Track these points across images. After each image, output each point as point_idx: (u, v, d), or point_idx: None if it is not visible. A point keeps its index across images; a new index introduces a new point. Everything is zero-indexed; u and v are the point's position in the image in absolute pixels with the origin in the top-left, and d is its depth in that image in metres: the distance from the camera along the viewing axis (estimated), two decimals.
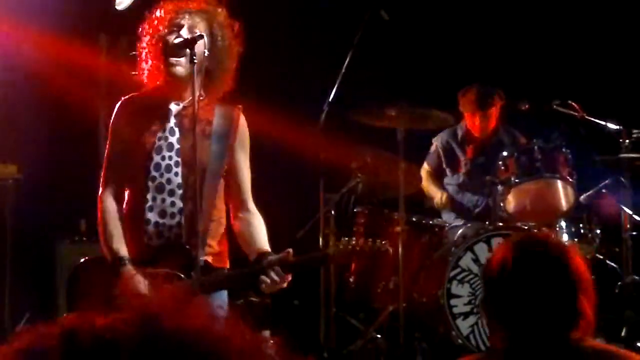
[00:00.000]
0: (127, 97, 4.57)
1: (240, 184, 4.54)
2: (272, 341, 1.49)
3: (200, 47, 4.29)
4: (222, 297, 4.37)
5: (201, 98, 4.40)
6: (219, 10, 4.54)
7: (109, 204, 4.49)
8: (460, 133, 7.53)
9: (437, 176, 7.61)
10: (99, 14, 7.02)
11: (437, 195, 7.49)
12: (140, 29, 4.53)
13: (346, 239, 4.41)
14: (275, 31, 8.16)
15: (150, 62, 4.45)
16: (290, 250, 4.31)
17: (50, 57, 7.13)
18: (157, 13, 4.47)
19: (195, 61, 4.24)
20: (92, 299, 4.28)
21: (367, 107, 6.69)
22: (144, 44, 4.47)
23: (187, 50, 4.30)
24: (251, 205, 4.56)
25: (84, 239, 7.29)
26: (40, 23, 7.02)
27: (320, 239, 6.41)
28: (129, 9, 5.01)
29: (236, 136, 4.52)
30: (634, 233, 6.86)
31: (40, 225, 7.35)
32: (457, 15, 8.43)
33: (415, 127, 6.80)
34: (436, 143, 7.60)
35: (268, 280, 4.24)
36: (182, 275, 4.28)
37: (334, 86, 6.56)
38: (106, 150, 4.60)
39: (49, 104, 7.41)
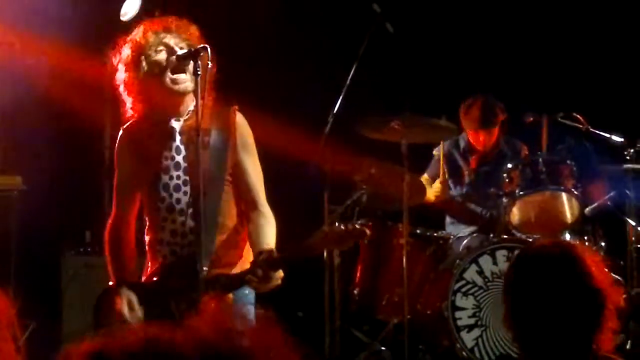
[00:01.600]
0: (127, 124, 4.60)
1: (248, 183, 4.52)
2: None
3: (204, 59, 4.28)
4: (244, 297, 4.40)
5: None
6: (190, 24, 4.54)
7: (114, 230, 4.60)
8: (462, 144, 7.51)
9: None
10: (104, 24, 7.04)
11: (434, 187, 7.37)
12: (114, 58, 4.52)
13: (326, 226, 4.40)
14: (280, 44, 8.18)
15: (137, 87, 4.45)
16: (273, 248, 4.32)
17: (55, 68, 7.15)
18: (135, 36, 4.47)
19: (199, 73, 4.24)
20: (114, 322, 4.39)
21: (371, 119, 6.69)
22: (126, 73, 4.46)
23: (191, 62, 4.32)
24: (261, 205, 4.53)
25: (89, 249, 7.29)
26: (45, 34, 7.03)
27: (325, 251, 6.40)
28: (134, 20, 5.00)
29: (235, 137, 4.50)
30: (639, 245, 6.84)
31: (45, 236, 7.36)
32: (461, 27, 8.44)
33: (419, 138, 6.80)
34: (438, 153, 7.57)
35: (254, 279, 4.23)
36: (184, 288, 4.31)
37: (338, 98, 6.56)
38: (115, 176, 4.67)
39: (54, 114, 7.42)
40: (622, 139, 6.90)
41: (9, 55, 7.09)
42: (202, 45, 4.32)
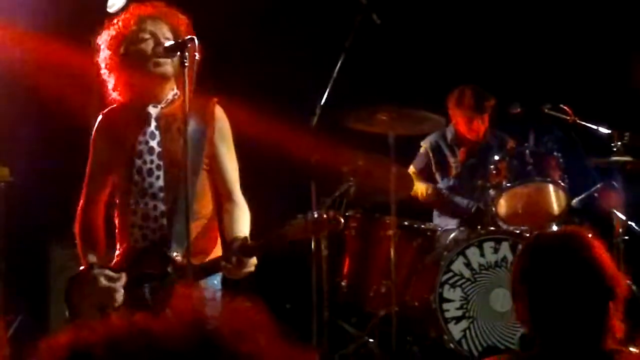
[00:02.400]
0: (106, 110, 4.65)
1: (223, 174, 4.58)
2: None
3: (192, 50, 4.28)
4: (212, 284, 4.42)
5: (176, 97, 4.47)
6: (177, 12, 4.56)
7: (84, 217, 4.66)
8: (450, 136, 7.53)
9: (423, 179, 7.58)
10: (91, 16, 7.01)
11: (423, 187, 7.45)
12: (99, 37, 4.55)
13: (301, 214, 4.42)
14: (267, 35, 8.17)
15: (117, 72, 4.49)
16: (247, 235, 4.39)
17: (42, 60, 7.12)
18: (119, 22, 4.50)
19: (187, 64, 4.25)
20: (88, 309, 4.40)
21: (358, 111, 6.69)
22: (108, 55, 4.50)
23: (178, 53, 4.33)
24: (236, 196, 4.59)
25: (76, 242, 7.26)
26: (32, 26, 7.01)
27: (312, 243, 6.41)
28: (121, 11, 4.99)
29: (214, 129, 4.53)
30: (626, 237, 6.86)
31: (33, 228, 7.34)
32: (448, 19, 8.44)
33: (407, 130, 6.81)
34: (425, 145, 7.59)
35: (229, 266, 4.27)
36: (157, 274, 4.35)
37: (325, 90, 6.56)
38: (87, 164, 4.69)
39: (41, 106, 7.40)
40: (609, 131, 6.91)
41: None
42: (189, 36, 4.33)
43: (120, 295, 4.38)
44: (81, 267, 4.59)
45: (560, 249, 2.87)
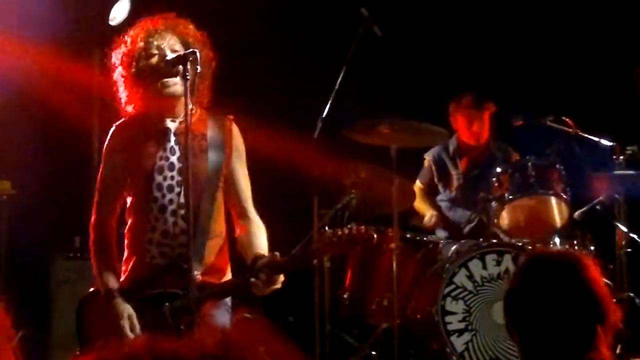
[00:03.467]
0: (119, 122, 4.59)
1: (239, 193, 4.56)
2: None
3: (194, 63, 4.28)
4: (224, 315, 4.39)
5: (192, 112, 4.43)
6: (187, 23, 4.55)
7: (100, 234, 4.54)
8: (452, 148, 7.54)
9: (430, 193, 7.60)
10: (93, 29, 7.02)
11: (427, 214, 7.46)
12: (111, 57, 4.54)
13: (330, 230, 4.40)
14: (269, 48, 8.18)
15: (130, 88, 4.47)
16: (277, 252, 4.34)
17: (44, 73, 7.13)
18: (128, 39, 4.49)
19: (188, 77, 4.24)
20: (99, 331, 4.36)
21: (360, 124, 6.68)
22: (121, 72, 4.48)
23: (180, 67, 4.32)
24: (252, 213, 4.58)
25: (78, 255, 7.26)
26: (34, 38, 7.01)
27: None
28: (123, 24, 5.01)
29: (232, 146, 4.53)
30: (629, 250, 6.85)
31: (34, 241, 7.33)
32: (450, 31, 8.45)
33: (409, 142, 6.81)
34: (428, 158, 7.60)
35: (259, 283, 4.24)
36: (179, 293, 4.30)
37: (327, 102, 6.56)
38: (99, 176, 4.61)
39: (43, 119, 7.41)
40: (611, 144, 6.91)
41: None
42: (190, 50, 4.32)
43: (137, 330, 4.35)
44: (94, 289, 4.53)
45: (555, 268, 2.88)
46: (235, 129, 4.57)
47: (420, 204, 7.46)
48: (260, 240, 4.49)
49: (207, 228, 4.38)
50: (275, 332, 1.55)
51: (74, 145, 7.57)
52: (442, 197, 7.56)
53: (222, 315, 4.35)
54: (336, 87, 6.59)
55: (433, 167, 7.59)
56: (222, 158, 4.49)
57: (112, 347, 1.45)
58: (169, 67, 4.34)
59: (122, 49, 4.49)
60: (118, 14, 5.42)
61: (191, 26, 4.54)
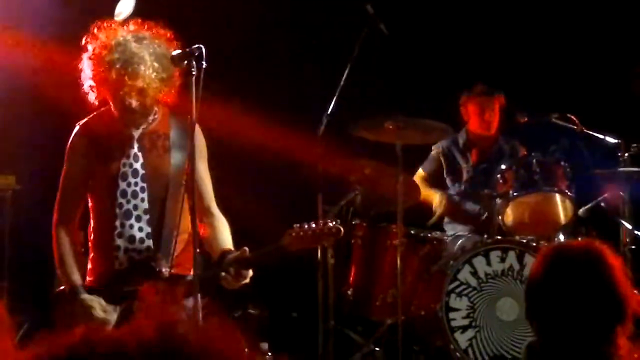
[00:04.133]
0: (83, 121, 4.64)
1: (202, 191, 4.60)
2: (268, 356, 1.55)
3: (200, 58, 4.28)
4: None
5: (156, 116, 4.47)
6: (161, 29, 4.56)
7: (63, 234, 4.64)
8: (461, 141, 7.52)
9: (432, 183, 7.56)
10: (97, 23, 7.02)
11: (437, 197, 7.39)
12: (85, 52, 4.56)
13: (297, 225, 4.44)
14: (276, 44, 8.18)
15: (100, 87, 4.50)
16: (246, 248, 4.41)
17: (48, 68, 7.13)
18: (99, 41, 4.50)
19: (194, 73, 4.24)
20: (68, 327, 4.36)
21: (365, 121, 6.68)
22: (91, 70, 4.50)
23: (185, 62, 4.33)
24: (214, 209, 4.66)
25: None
26: (37, 33, 7.02)
27: (319, 252, 6.40)
28: (128, 19, 5.00)
29: (193, 143, 4.52)
30: (633, 247, 6.85)
31: (39, 236, 7.32)
32: (455, 28, 8.44)
33: (414, 140, 6.81)
34: (437, 149, 7.58)
35: (229, 277, 4.32)
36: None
37: (333, 98, 6.56)
38: (62, 174, 4.67)
39: (47, 114, 7.40)
40: (616, 141, 6.91)
41: (1, 56, 7.08)
42: (196, 45, 4.33)
43: (110, 315, 4.38)
44: (62, 287, 4.58)
45: (577, 262, 2.89)
46: (197, 129, 4.55)
47: (425, 191, 7.34)
48: (225, 235, 4.57)
49: (175, 225, 4.40)
50: (221, 317, 1.56)
51: None
52: (451, 191, 7.53)
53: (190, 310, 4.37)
54: (341, 83, 6.58)
55: (442, 159, 7.56)
56: (184, 157, 4.50)
57: (50, 341, 1.47)
58: (173, 63, 4.36)
59: (96, 48, 4.49)
60: (123, 9, 5.40)
61: (164, 31, 4.53)
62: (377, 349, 6.77)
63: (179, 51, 4.39)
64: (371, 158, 6.77)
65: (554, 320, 2.86)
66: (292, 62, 8.21)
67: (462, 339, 6.41)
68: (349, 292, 6.92)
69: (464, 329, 6.42)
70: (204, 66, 4.28)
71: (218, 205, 4.72)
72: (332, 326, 6.53)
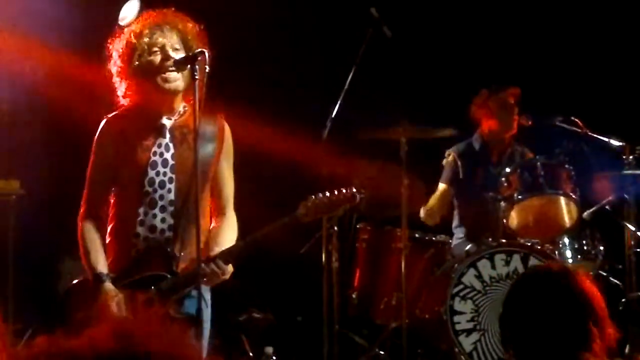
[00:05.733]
0: (111, 114, 4.60)
1: (220, 191, 4.60)
2: None
3: (202, 63, 4.28)
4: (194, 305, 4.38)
5: (185, 109, 4.47)
6: (187, 20, 4.56)
7: (90, 227, 4.55)
8: (477, 145, 7.41)
9: (454, 195, 7.45)
10: (104, 29, 7.03)
11: (425, 208, 7.29)
12: (109, 50, 4.55)
13: (312, 195, 4.50)
14: (279, 47, 8.18)
15: (128, 81, 4.48)
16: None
17: (53, 73, 7.14)
18: (129, 32, 4.49)
19: (197, 77, 4.25)
20: (81, 319, 4.34)
21: (369, 127, 6.67)
22: (120, 64, 4.49)
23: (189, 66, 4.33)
24: (228, 211, 4.63)
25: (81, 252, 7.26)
26: (43, 39, 7.03)
27: (323, 255, 6.40)
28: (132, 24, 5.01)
29: (222, 144, 4.57)
30: (638, 250, 6.84)
31: (43, 240, 7.34)
32: (460, 32, 8.44)
33: (420, 134, 6.77)
34: (453, 153, 7.39)
35: (207, 270, 4.30)
36: (166, 275, 4.39)
37: (337, 102, 6.56)
38: (89, 168, 4.64)
39: (52, 119, 7.42)
40: (620, 143, 6.90)
41: (7, 61, 7.09)
42: (199, 49, 4.33)
43: (124, 313, 4.37)
44: (77, 280, 4.59)
45: (546, 277, 2.96)
46: (227, 128, 4.60)
47: (433, 201, 7.30)
48: (225, 237, 4.53)
49: (197, 223, 4.39)
50: (174, 320, 1.58)
51: (83, 146, 7.56)
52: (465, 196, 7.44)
53: (192, 306, 4.35)
54: (345, 87, 6.59)
55: (459, 162, 7.36)
56: (212, 154, 4.52)
57: (11, 349, 1.50)
58: (172, 65, 4.36)
59: (123, 40, 4.50)
60: (128, 13, 5.42)
61: (190, 24, 4.55)
62: (381, 352, 6.78)
63: (181, 55, 4.39)
64: (376, 161, 6.77)
65: (527, 347, 2.89)
66: (296, 65, 8.21)
67: (467, 342, 6.40)
68: (354, 296, 6.92)
69: (469, 332, 6.41)
70: (207, 70, 4.28)
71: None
72: (337, 330, 6.53)
